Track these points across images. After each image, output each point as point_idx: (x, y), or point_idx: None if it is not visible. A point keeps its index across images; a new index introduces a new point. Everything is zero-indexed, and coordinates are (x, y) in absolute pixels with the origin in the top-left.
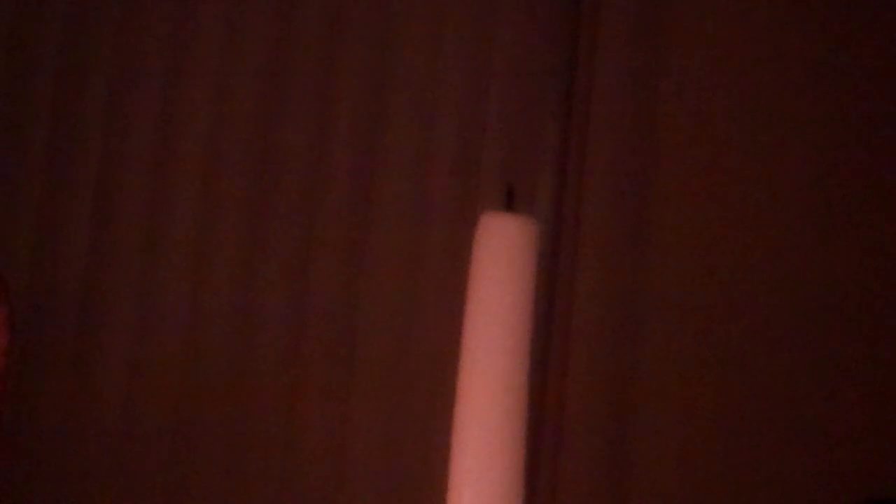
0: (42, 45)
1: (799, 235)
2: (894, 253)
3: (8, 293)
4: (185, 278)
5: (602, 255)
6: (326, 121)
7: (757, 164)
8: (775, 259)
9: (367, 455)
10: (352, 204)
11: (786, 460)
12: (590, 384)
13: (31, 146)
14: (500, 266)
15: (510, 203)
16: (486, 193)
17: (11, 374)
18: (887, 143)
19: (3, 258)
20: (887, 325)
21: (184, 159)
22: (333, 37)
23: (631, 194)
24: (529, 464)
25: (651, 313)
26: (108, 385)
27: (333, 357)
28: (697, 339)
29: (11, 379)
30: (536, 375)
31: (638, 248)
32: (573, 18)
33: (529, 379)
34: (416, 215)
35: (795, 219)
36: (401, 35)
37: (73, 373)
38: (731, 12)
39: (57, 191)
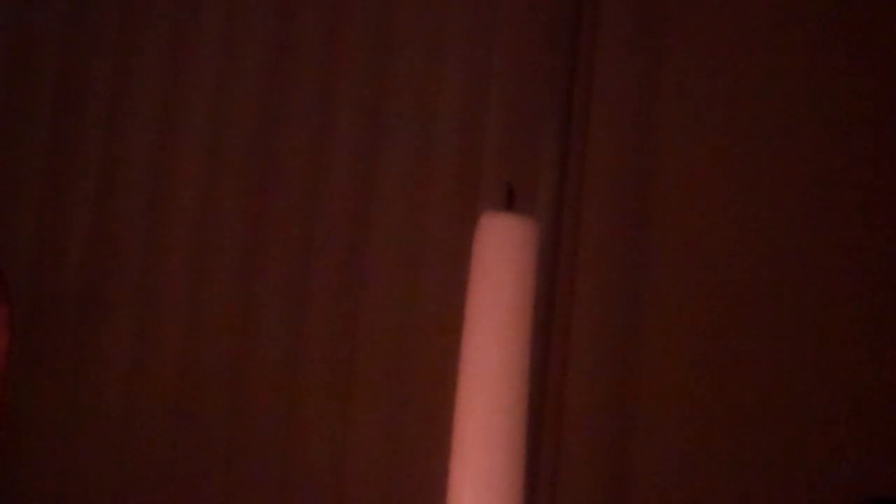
0: (42, 45)
1: (799, 235)
2: (894, 253)
3: (8, 293)
4: (185, 279)
5: (602, 255)
6: (326, 121)
7: (757, 164)
8: (775, 259)
9: (367, 455)
10: (352, 204)
11: (786, 460)
12: (590, 384)
13: (31, 146)
14: (500, 266)
15: (510, 203)
16: (486, 193)
17: (11, 373)
18: (887, 143)
19: (3, 258)
20: (887, 325)
21: (184, 159)
22: (333, 37)
23: (631, 194)
24: (529, 463)
25: (651, 313)
26: (108, 385)
27: (333, 356)
28: (697, 339)
29: (11, 379)
30: (536, 375)
31: (638, 248)
32: (573, 19)
33: (529, 379)
34: (416, 215)
35: (796, 218)
36: (401, 35)
37: (73, 373)
38: (731, 12)
39: (57, 191)
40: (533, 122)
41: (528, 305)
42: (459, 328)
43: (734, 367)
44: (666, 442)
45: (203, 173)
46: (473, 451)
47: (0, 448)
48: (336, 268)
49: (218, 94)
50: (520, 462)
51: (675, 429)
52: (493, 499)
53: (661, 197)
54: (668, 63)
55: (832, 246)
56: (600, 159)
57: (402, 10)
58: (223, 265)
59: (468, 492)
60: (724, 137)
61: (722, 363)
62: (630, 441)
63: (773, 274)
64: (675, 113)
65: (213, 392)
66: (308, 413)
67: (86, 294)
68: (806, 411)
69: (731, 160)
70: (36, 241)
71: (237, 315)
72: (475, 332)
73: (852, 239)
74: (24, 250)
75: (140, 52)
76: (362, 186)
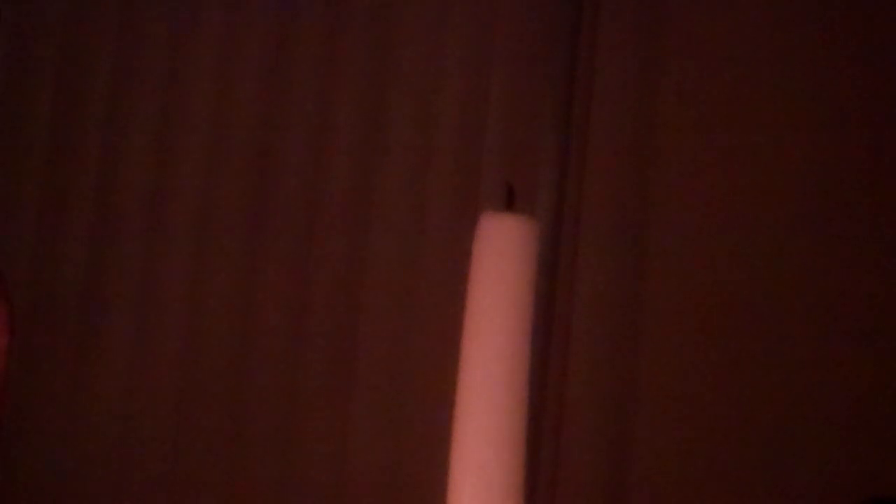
0: (42, 45)
1: (799, 235)
2: (894, 253)
3: (8, 293)
4: (185, 279)
5: (602, 255)
6: (326, 121)
7: (757, 165)
8: (775, 259)
9: (367, 455)
10: (352, 204)
11: (786, 460)
12: (590, 384)
13: (31, 147)
14: (500, 266)
15: (510, 203)
16: (486, 193)
17: (11, 374)
18: (887, 143)
19: (3, 258)
20: (887, 325)
21: (184, 159)
22: (333, 37)
23: (631, 194)
24: (529, 463)
25: (651, 313)
26: (108, 385)
27: (333, 356)
28: (697, 339)
29: (11, 379)
30: (536, 375)
31: (638, 248)
32: (573, 19)
33: (529, 379)
34: (416, 215)
35: (795, 219)
36: (401, 35)
37: (73, 373)
38: (731, 12)
39: (57, 191)
40: (533, 122)
41: (528, 305)
42: (459, 328)
43: (734, 366)
44: (666, 442)
45: (203, 173)
46: (473, 451)
47: (0, 448)
48: (336, 267)
49: (218, 93)
50: (520, 462)
51: (674, 429)
52: (493, 498)
53: (661, 197)
54: (668, 63)
55: (832, 246)
56: (600, 159)
57: (402, 10)
58: (223, 265)
59: (468, 491)
60: (724, 137)
61: (721, 363)
62: (630, 441)
63: (773, 273)
64: (675, 113)
65: (213, 392)
66: (308, 413)
67: (86, 294)
68: (806, 412)
69: (731, 160)
70: (36, 241)
71: (237, 315)
72: (475, 332)
73: (852, 239)
74: (24, 250)
75: (140, 52)
76: (362, 186)
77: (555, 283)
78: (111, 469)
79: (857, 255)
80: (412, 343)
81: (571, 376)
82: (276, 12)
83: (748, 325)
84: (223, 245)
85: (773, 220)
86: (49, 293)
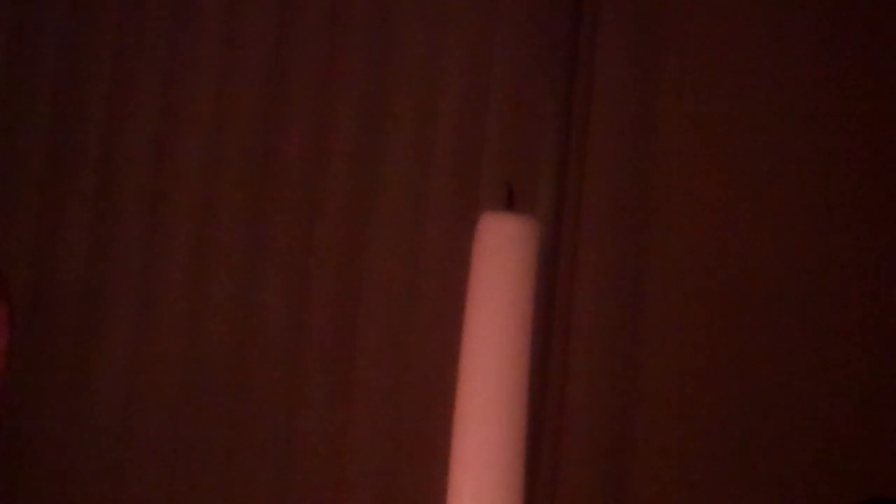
0: (42, 45)
1: (799, 235)
2: (894, 253)
3: (8, 293)
4: (185, 279)
5: (602, 254)
6: (326, 120)
7: (757, 164)
8: (775, 259)
9: (367, 455)
10: (352, 204)
11: (785, 460)
12: (590, 384)
13: (31, 147)
14: (500, 266)
15: (510, 203)
16: (486, 193)
17: (11, 373)
18: (887, 143)
19: (3, 258)
20: (887, 325)
21: (184, 159)
22: (334, 36)
23: (631, 194)
24: (529, 463)
25: (651, 313)
26: (108, 385)
27: (333, 356)
28: (698, 339)
29: (11, 379)
30: (536, 375)
31: (638, 247)
32: (573, 19)
33: (529, 379)
34: (416, 215)
35: (796, 218)
36: (401, 35)
37: (72, 373)
38: (730, 12)
39: (57, 191)
40: (533, 122)
41: (528, 305)
42: (459, 328)
43: (734, 366)
44: (666, 442)
45: (203, 173)
46: (473, 451)
47: (0, 448)
48: (336, 267)
49: (218, 93)
50: (520, 462)
51: (674, 429)
52: (492, 499)
53: (661, 197)
54: (668, 63)
55: (832, 246)
56: (600, 159)
57: (402, 10)
58: (223, 265)
59: (468, 492)
60: (724, 137)
61: (721, 363)
62: (630, 441)
63: (773, 273)
64: (675, 113)
65: (213, 392)
66: (308, 413)
67: (86, 294)
68: (806, 411)
69: (731, 160)
70: (36, 242)
71: (237, 315)
72: (475, 332)
73: (852, 238)
74: (24, 250)
75: (140, 52)
76: (362, 186)
77: (555, 283)
78: (111, 469)
79: (857, 255)
80: (412, 343)
81: (571, 376)
82: (276, 12)
83: (748, 324)
84: (223, 245)
85: (773, 220)
86: (49, 293)
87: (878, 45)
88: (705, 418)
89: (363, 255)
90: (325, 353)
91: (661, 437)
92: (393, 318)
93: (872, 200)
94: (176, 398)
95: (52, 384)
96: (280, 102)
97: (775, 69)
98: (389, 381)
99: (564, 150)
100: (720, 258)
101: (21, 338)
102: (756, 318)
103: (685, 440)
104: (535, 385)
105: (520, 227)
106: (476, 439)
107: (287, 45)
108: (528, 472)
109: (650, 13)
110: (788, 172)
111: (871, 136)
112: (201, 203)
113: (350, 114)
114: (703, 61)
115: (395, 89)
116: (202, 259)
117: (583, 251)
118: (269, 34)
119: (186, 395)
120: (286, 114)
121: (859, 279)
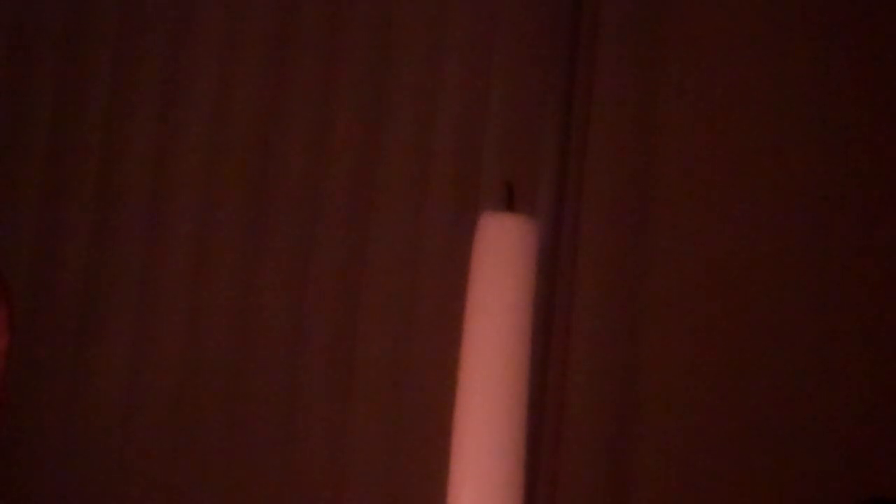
0: (42, 45)
1: (799, 235)
2: (894, 253)
3: (8, 294)
4: (185, 280)
5: (602, 255)
6: (326, 120)
7: (757, 164)
8: (776, 259)
9: (367, 455)
10: (352, 203)
11: (786, 460)
12: (590, 384)
13: (31, 146)
14: (500, 266)
15: (510, 202)
16: (486, 193)
17: (11, 375)
18: (887, 143)
19: (3, 258)
20: (887, 325)
21: (184, 159)
22: (334, 36)
23: (631, 194)
24: (529, 463)
25: (651, 313)
26: (108, 387)
27: (333, 357)
28: (698, 339)
29: (11, 380)
30: (536, 375)
31: (638, 247)
32: (573, 18)
33: (529, 379)
34: (416, 215)
35: (796, 218)
36: (401, 34)
37: (72, 373)
38: (731, 11)
39: (57, 191)
40: (533, 121)
41: (528, 305)
42: (459, 328)
43: (734, 366)
44: (666, 442)
45: (203, 173)
46: (473, 451)
47: (0, 449)
48: (336, 268)
49: (218, 93)
50: (520, 462)
51: (675, 429)
52: (493, 498)
53: (661, 197)
54: (668, 63)
55: (832, 246)
56: (600, 159)
57: (402, 10)
58: (223, 265)
59: (468, 491)
60: (724, 137)
61: (722, 363)
62: (630, 441)
63: (773, 273)
64: (675, 113)
65: (213, 392)
66: (308, 413)
67: (86, 294)
68: (806, 412)
69: (731, 160)
70: (36, 242)
71: (237, 315)
72: (475, 332)
73: (852, 239)
74: (24, 251)
75: (140, 52)
76: (362, 186)
77: (555, 283)
78: (111, 469)
79: (857, 255)
80: (412, 343)
81: (571, 376)
82: (276, 11)
83: (748, 324)
84: (223, 245)
85: (773, 220)
86: (49, 293)
87: (879, 44)
88: (705, 418)
89: (363, 255)
90: (325, 353)
91: (661, 437)
92: (393, 318)
93: (872, 200)
94: (176, 398)
95: (52, 385)
96: (280, 102)
97: (775, 69)
98: (389, 381)
99: (564, 150)
100: (720, 258)
101: (21, 339)
102: (756, 318)
103: (685, 440)
104: (535, 385)
105: (520, 227)
106: (476, 439)
107: (287, 45)
108: (528, 472)
109: (650, 13)
110: (788, 172)
111: (872, 135)
112: (201, 203)
113: (350, 114)
114: (703, 61)
115: (395, 89)
116: (202, 259)
117: (583, 251)
118: (269, 34)
119: (186, 395)
120: (286, 114)
121: (859, 279)
